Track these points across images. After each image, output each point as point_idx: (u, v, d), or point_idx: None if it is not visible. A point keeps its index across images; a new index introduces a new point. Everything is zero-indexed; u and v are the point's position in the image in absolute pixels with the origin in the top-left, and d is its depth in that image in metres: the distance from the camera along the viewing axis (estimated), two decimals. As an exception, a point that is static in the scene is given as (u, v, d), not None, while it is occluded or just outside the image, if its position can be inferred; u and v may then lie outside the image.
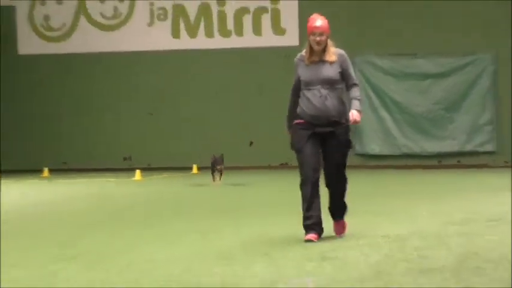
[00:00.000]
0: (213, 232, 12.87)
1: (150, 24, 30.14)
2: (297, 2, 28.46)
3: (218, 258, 10.32)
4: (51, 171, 27.86)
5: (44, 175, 27.27)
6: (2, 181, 25.45)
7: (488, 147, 27.94)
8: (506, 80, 27.58)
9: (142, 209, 17.65)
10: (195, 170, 27.14)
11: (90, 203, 19.42)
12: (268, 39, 28.77)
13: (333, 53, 11.22)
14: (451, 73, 28.11)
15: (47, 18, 30.66)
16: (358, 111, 11.25)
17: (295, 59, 11.50)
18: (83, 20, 30.45)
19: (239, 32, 29.39)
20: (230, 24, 29.38)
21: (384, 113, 28.45)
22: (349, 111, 11.24)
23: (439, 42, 27.91)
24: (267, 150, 27.55)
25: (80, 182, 24.66)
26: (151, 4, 30.01)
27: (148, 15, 30.10)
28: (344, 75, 11.29)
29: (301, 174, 11.31)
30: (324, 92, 11.18)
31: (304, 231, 11.36)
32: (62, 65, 30.21)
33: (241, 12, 29.34)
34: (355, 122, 11.21)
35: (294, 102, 11.45)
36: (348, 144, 11.41)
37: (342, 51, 11.33)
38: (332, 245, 10.94)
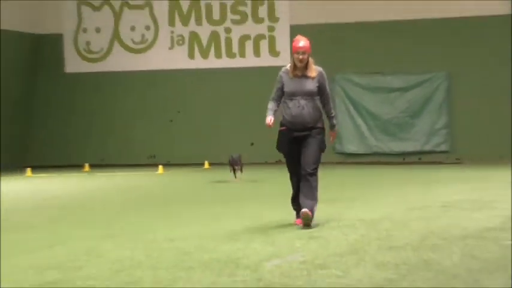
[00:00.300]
0: (221, 216, 12.91)
1: (171, 48, 30.05)
2: (288, 31, 28.32)
3: (225, 238, 10.34)
4: (91, 166, 27.81)
5: (85, 169, 27.24)
6: (50, 175, 25.42)
7: (443, 147, 27.89)
8: (457, 94, 27.57)
9: (163, 197, 17.65)
10: (206, 165, 27.07)
11: (122, 192, 19.43)
12: (265, 60, 28.69)
13: (314, 69, 11.14)
14: (413, 87, 28.05)
15: (88, 43, 30.64)
16: (334, 129, 11.44)
17: (281, 72, 11.37)
18: (116, 45, 30.40)
19: (242, 54, 29.33)
20: (235, 48, 29.32)
21: (359, 120, 28.43)
22: (328, 124, 11.33)
23: (404, 62, 27.86)
24: (264, 150, 27.42)
25: (114, 175, 24.65)
26: (172, 32, 29.96)
27: (169, 40, 30.03)
28: (320, 89, 11.16)
29: (289, 170, 11.39)
30: (303, 102, 11.03)
31: (295, 214, 11.36)
32: (100, 81, 30.20)
33: (244, 38, 29.29)
34: (333, 140, 11.65)
35: (274, 105, 11.36)
36: (321, 146, 11.24)
37: (320, 69, 11.27)
38: (317, 226, 10.92)
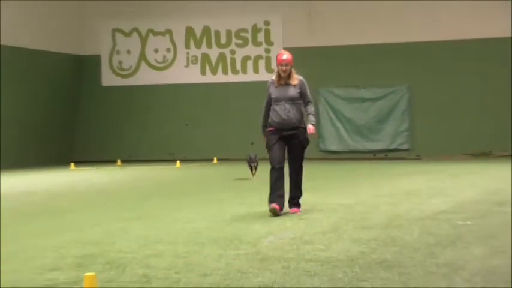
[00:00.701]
0: (226, 201, 12.87)
1: (187, 66, 30.03)
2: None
3: (230, 219, 10.34)
4: (122, 161, 27.79)
5: (117, 164, 27.23)
6: (89, 168, 25.41)
7: (405, 146, 27.86)
8: (416, 103, 27.56)
9: (180, 186, 17.63)
10: (215, 161, 27.04)
11: (147, 182, 19.41)
12: (263, 76, 28.49)
13: (295, 78, 10.73)
14: (381, 98, 28.02)
15: (120, 62, 30.63)
16: (314, 125, 10.83)
17: (268, 82, 11.04)
18: (143, 64, 30.40)
19: (244, 71, 29.33)
20: (238, 66, 29.31)
21: (338, 124, 28.40)
22: (307, 122, 10.86)
23: (374, 78, 27.85)
24: (263, 148, 27.39)
25: (141, 169, 24.64)
26: (187, 53, 29.94)
27: (185, 60, 30.00)
28: (302, 94, 10.77)
29: (270, 163, 10.81)
30: (288, 106, 10.63)
31: (269, 202, 10.74)
32: (130, 93, 30.18)
33: (245, 58, 29.28)
34: (312, 133, 10.78)
35: (266, 114, 10.89)
36: (304, 142, 10.82)
37: (301, 77, 10.87)
38: (304, 211, 10.89)
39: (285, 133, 10.71)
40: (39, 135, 28.65)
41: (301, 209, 10.91)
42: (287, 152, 10.87)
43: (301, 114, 10.82)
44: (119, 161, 27.88)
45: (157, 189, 16.98)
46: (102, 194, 15.82)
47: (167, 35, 30.26)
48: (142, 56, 30.48)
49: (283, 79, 10.74)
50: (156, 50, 30.30)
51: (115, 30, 30.69)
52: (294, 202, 10.95)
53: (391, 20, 27.57)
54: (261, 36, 29.31)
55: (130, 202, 13.75)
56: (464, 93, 27.06)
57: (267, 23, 29.19)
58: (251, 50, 29.31)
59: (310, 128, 10.77)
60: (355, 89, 28.26)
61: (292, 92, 10.69)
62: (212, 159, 27.22)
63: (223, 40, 29.70)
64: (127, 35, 30.60)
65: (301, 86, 10.76)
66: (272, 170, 10.79)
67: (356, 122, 28.31)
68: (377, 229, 8.99)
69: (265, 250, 7.69)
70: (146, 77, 30.30)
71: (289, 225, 9.55)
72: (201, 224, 9.97)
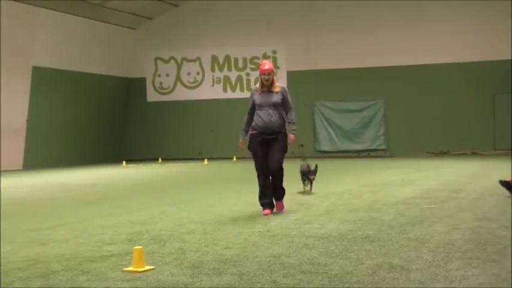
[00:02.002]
0: (243, 191, 12.82)
1: (212, 85, 30.07)
2: (285, 75, 28.32)
3: (246, 205, 10.29)
4: (162, 159, 27.83)
5: (159, 162, 27.28)
6: (137, 165, 25.45)
7: (383, 147, 27.82)
8: (390, 113, 27.55)
9: (207, 179, 17.60)
10: (234, 159, 27.01)
11: (182, 175, 19.41)
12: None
13: (277, 86, 9.21)
14: (363, 110, 28.01)
15: (161, 83, 30.74)
16: (294, 133, 9.29)
17: (252, 89, 9.53)
18: (178, 84, 30.48)
19: (257, 89, 29.35)
20: (252, 85, 29.25)
21: (330, 130, 28.38)
22: (288, 130, 9.27)
23: (357, 94, 27.83)
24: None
25: (177, 165, 24.65)
26: (213, 76, 29.99)
27: (211, 81, 30.07)
28: (284, 101, 9.14)
29: (256, 170, 9.24)
30: (271, 111, 9.05)
31: (261, 208, 9.28)
32: (168, 107, 30.27)
33: (257, 79, 29.13)
34: (293, 142, 9.20)
35: (249, 119, 9.23)
36: (284, 147, 9.20)
37: (283, 86, 9.41)
38: (304, 198, 10.83)
39: (266, 137, 9.12)
40: (99, 139, 28.77)
41: (285, 208, 9.38)
42: (267, 155, 9.19)
43: (283, 120, 9.27)
44: (160, 159, 27.91)
45: (190, 181, 16.99)
46: (147, 185, 15.85)
47: (197, 62, 30.29)
48: (178, 78, 30.54)
49: (266, 87, 9.24)
50: (189, 73, 30.35)
51: (157, 58, 30.75)
52: (278, 201, 9.42)
53: (372, 49, 27.58)
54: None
55: (169, 191, 13.75)
56: (427, 106, 27.12)
57: (274, 52, 29.16)
58: (262, 73, 29.33)
59: (291, 137, 9.24)
60: (343, 103, 28.23)
61: (275, 98, 9.15)
62: (232, 158, 27.22)
63: (240, 65, 29.72)
64: (166, 62, 30.65)
65: (283, 93, 9.24)
66: (259, 176, 9.27)
67: (344, 128, 28.28)
68: (361, 211, 8.95)
69: (274, 228, 7.67)
70: (181, 94, 30.39)
71: (293, 209, 9.52)
72: (224, 208, 9.95)
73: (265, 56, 29.14)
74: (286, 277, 5.08)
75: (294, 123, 9.33)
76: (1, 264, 5.99)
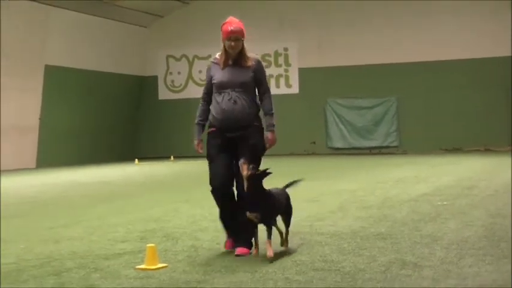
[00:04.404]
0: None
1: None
2: (297, 71, 28.35)
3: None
4: (174, 157, 27.89)
5: (171, 160, 27.34)
6: (150, 163, 25.53)
7: (395, 144, 27.71)
8: (402, 110, 27.44)
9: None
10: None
11: (194, 172, 19.43)
12: (283, 90, 28.68)
13: (249, 58, 6.08)
14: (375, 106, 27.89)
15: (172, 81, 30.75)
16: (273, 130, 6.14)
17: (209, 62, 6.33)
18: (190, 82, 30.40)
19: (268, 86, 29.35)
20: (264, 83, 29.31)
21: (342, 127, 28.27)
22: (266, 126, 6.17)
23: (370, 91, 27.74)
24: (283, 145, 27.38)
25: (189, 163, 24.70)
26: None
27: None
28: (257, 81, 6.06)
29: (212, 183, 6.27)
30: (234, 95, 5.95)
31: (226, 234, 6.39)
32: (180, 104, 30.21)
33: (269, 76, 28.97)
34: (271, 144, 6.15)
35: (201, 108, 6.26)
36: (259, 148, 6.07)
37: (258, 58, 6.22)
38: (316, 194, 10.80)
39: (229, 135, 6.07)
40: (111, 137, 28.86)
41: (252, 250, 5.96)
42: (231, 165, 6.17)
43: (255, 107, 6.11)
44: (172, 156, 27.96)
45: (202, 178, 16.96)
46: (159, 183, 15.89)
47: (209, 59, 30.33)
48: (190, 76, 30.55)
49: (232, 58, 6.11)
50: (200, 71, 30.24)
51: (168, 57, 30.77)
52: (242, 245, 6.02)
53: (383, 46, 27.46)
54: (281, 59, 29.23)
55: (181, 189, 13.78)
56: (440, 102, 26.98)
57: (285, 49, 29.08)
58: (273, 70, 29.21)
59: (269, 137, 6.13)
60: (355, 99, 28.13)
61: (244, 75, 6.04)
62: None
63: (252, 63, 29.75)
64: (178, 60, 30.67)
65: (256, 69, 6.10)
66: (214, 195, 6.28)
67: (356, 125, 28.18)
68: (374, 209, 8.93)
69: (287, 225, 7.67)
70: (193, 92, 30.29)
71: (305, 206, 9.51)
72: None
73: (277, 54, 29.12)
74: (299, 274, 5.08)
75: (272, 114, 6.18)
76: (16, 262, 6.04)
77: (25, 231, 8.10)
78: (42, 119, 25.20)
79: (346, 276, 4.94)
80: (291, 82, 28.96)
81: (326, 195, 10.93)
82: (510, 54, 25.89)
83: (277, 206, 5.95)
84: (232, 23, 6.13)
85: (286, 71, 29.16)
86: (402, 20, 27.30)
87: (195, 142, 6.39)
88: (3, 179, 17.79)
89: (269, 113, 6.16)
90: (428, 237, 6.48)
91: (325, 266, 5.35)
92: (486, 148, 26.22)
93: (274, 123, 6.16)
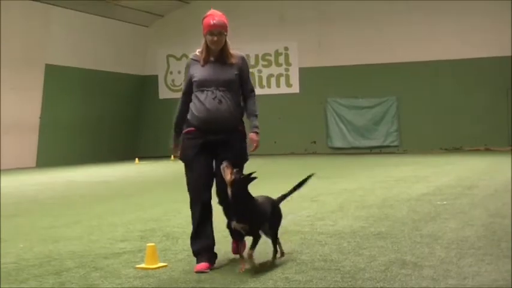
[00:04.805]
0: (257, 187, 12.75)
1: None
2: (297, 71, 28.36)
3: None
4: (175, 157, 27.77)
5: (171, 159, 27.30)
6: (150, 162, 25.51)
7: (395, 143, 27.71)
8: (402, 110, 27.44)
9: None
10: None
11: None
12: (283, 89, 28.72)
13: (233, 55, 5.52)
14: (375, 106, 27.90)
15: (173, 80, 30.77)
16: (258, 131, 5.61)
17: (189, 58, 5.61)
18: (190, 81, 30.54)
19: (269, 86, 29.26)
20: (264, 82, 29.26)
21: (342, 126, 28.28)
22: (249, 127, 5.60)
23: (369, 90, 27.74)
24: (283, 145, 27.37)
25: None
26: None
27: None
28: (241, 79, 5.53)
29: (190, 193, 5.67)
30: (219, 94, 5.39)
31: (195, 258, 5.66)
32: (180, 104, 30.29)
33: (270, 76, 29.23)
34: (255, 146, 5.58)
35: (182, 110, 5.67)
36: (242, 156, 5.55)
37: (242, 54, 5.65)
38: (316, 194, 10.80)
39: (210, 137, 5.51)
40: (111, 136, 28.86)
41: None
42: (214, 171, 5.56)
43: (240, 110, 5.61)
44: (172, 156, 27.89)
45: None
46: (159, 182, 15.88)
47: (209, 59, 30.36)
48: (189, 76, 30.64)
49: (214, 54, 5.51)
50: (201, 71, 30.43)
51: (169, 56, 30.77)
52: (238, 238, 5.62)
53: (384, 46, 27.48)
54: (281, 59, 29.24)
55: (181, 188, 13.75)
56: (440, 102, 26.98)
57: (286, 48, 29.09)
58: (274, 70, 29.24)
59: (253, 137, 5.59)
60: (355, 99, 28.14)
61: (228, 73, 5.49)
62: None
63: (252, 62, 29.61)
64: (178, 59, 30.63)
65: (241, 67, 5.57)
66: (194, 205, 5.67)
67: (356, 125, 28.18)
68: (374, 208, 8.93)
69: (287, 225, 7.64)
70: (193, 92, 30.46)
71: (305, 205, 9.50)
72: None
73: (278, 53, 29.13)
74: (299, 273, 5.08)
75: (257, 116, 5.69)
76: (15, 261, 6.04)
77: (25, 230, 8.10)
78: (42, 118, 25.20)
79: (346, 276, 4.94)
80: (291, 81, 28.95)
81: (326, 194, 10.92)
82: (510, 54, 25.90)
83: (264, 215, 5.50)
84: (215, 16, 5.54)
85: (286, 70, 29.15)
86: (402, 19, 27.29)
87: (172, 144, 5.83)
88: (3, 178, 17.79)
89: (254, 114, 5.64)
90: (428, 237, 6.47)
91: (325, 265, 5.35)
92: (486, 148, 26.23)
93: (258, 125, 5.65)
